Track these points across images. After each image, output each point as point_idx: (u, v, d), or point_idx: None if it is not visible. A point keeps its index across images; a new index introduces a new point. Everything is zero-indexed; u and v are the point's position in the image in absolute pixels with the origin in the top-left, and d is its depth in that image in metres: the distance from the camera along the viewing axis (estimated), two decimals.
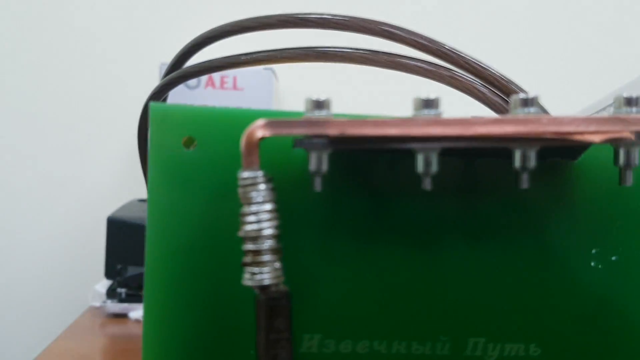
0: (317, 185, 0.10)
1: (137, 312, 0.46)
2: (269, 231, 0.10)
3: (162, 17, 0.63)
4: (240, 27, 0.24)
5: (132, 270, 0.45)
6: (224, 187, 0.11)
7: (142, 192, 0.57)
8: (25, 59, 0.62)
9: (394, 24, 0.22)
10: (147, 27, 0.63)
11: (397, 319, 0.12)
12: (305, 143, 0.10)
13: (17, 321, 0.62)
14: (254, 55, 0.24)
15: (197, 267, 0.11)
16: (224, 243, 0.11)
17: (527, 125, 0.10)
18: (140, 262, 0.46)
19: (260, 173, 0.10)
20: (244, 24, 0.24)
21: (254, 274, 0.10)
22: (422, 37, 0.22)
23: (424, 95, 0.10)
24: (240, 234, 0.10)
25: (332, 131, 0.10)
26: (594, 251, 0.12)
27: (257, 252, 0.10)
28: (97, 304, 0.48)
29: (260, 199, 0.10)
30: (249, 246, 0.10)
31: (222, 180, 0.11)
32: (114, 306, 0.46)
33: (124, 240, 0.45)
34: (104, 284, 0.49)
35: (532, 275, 0.12)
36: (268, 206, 0.10)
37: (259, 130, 0.10)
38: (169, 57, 0.65)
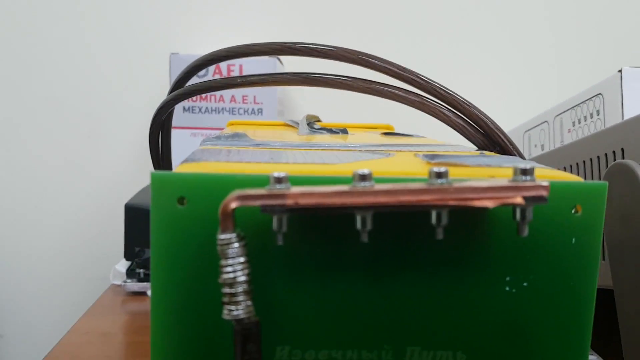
0: (280, 240, 0.13)
1: None
2: (242, 278, 0.13)
3: (172, 10, 0.65)
4: (235, 52, 0.27)
5: (149, 253, 0.49)
6: (210, 235, 0.14)
7: None
8: (42, 51, 0.65)
9: (371, 53, 0.25)
10: (158, 20, 0.65)
11: (350, 333, 0.15)
12: (269, 209, 0.13)
13: (46, 297, 0.67)
14: (248, 79, 0.27)
15: (191, 299, 0.14)
16: (211, 280, 0.14)
17: (438, 194, 0.13)
18: None
19: (234, 235, 0.13)
20: (239, 50, 0.27)
21: (230, 310, 0.13)
22: (395, 65, 0.24)
23: (360, 170, 0.13)
24: (220, 280, 0.13)
25: (289, 201, 0.13)
26: (508, 278, 0.15)
27: (233, 294, 0.13)
28: (118, 282, 0.52)
29: (234, 255, 0.13)
30: (227, 290, 0.13)
31: (207, 230, 0.14)
32: (134, 285, 0.50)
33: (141, 224, 0.49)
34: (123, 264, 0.53)
35: (458, 298, 0.15)
36: (241, 259, 0.13)
37: (232, 202, 0.13)
38: (178, 48, 0.69)
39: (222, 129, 0.62)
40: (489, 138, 0.24)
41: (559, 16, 0.67)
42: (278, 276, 0.14)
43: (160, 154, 0.34)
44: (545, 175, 0.16)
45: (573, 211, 0.15)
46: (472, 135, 0.24)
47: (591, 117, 0.40)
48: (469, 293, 0.15)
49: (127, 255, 0.50)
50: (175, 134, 0.59)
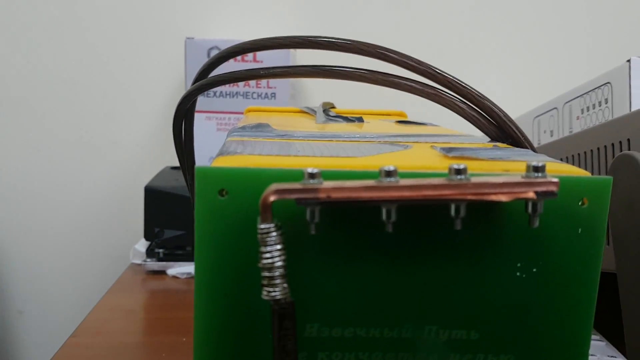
0: (312, 229, 0.15)
1: (174, 269, 0.52)
2: (279, 263, 0.14)
3: None
4: (259, 45, 0.28)
5: (168, 233, 0.51)
6: (248, 223, 0.16)
7: (171, 158, 0.62)
8: (59, 32, 0.66)
9: (389, 47, 0.26)
10: (173, 4, 0.66)
11: (373, 312, 0.17)
12: (303, 202, 0.14)
13: (64, 275, 0.69)
14: (271, 71, 0.28)
15: (232, 280, 0.16)
16: (250, 263, 0.16)
17: (457, 189, 0.14)
18: (175, 226, 0.51)
19: (272, 225, 0.14)
20: (262, 43, 0.28)
21: (269, 292, 0.14)
22: (412, 59, 0.26)
23: (386, 167, 0.15)
24: (260, 265, 0.15)
25: (322, 195, 0.14)
26: (519, 264, 0.17)
27: (271, 278, 0.14)
28: (138, 261, 0.54)
29: (272, 242, 0.14)
30: (265, 274, 0.14)
31: (245, 218, 0.16)
32: (154, 264, 0.52)
33: (160, 206, 0.51)
34: (142, 244, 0.55)
35: (473, 282, 0.17)
36: (278, 246, 0.14)
37: (271, 195, 0.14)
38: (193, 32, 0.70)
39: (236, 112, 0.63)
40: (502, 130, 0.25)
41: (570, 3, 0.67)
42: (310, 261, 0.16)
43: (183, 142, 0.35)
44: (555, 170, 0.17)
45: (580, 203, 0.17)
46: (486, 127, 0.25)
47: (599, 105, 0.41)
48: (483, 278, 0.17)
49: (147, 235, 0.51)
50: None
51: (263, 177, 0.16)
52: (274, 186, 0.15)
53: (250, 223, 0.16)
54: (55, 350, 0.36)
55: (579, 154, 0.34)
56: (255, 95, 0.63)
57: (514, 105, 0.62)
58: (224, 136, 0.63)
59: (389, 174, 0.15)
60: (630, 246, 0.25)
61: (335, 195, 0.14)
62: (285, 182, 0.15)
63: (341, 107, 0.41)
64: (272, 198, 0.14)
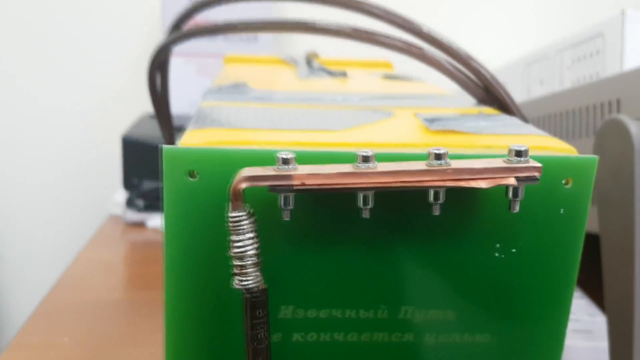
0: (286, 216, 0.14)
1: (153, 221, 0.51)
2: (251, 252, 0.14)
3: None
4: None
5: (147, 184, 0.50)
6: (220, 206, 0.15)
7: (148, 103, 0.60)
8: None
9: (374, 3, 0.24)
10: None
11: (349, 294, 0.16)
12: (276, 189, 0.14)
13: (43, 228, 0.68)
14: (250, 25, 0.27)
15: (203, 265, 0.15)
16: (222, 248, 0.15)
17: (436, 175, 0.14)
18: (154, 177, 0.50)
19: (243, 213, 0.14)
20: None
21: (241, 280, 0.14)
22: (398, 16, 0.24)
23: (363, 151, 0.14)
24: (231, 254, 0.14)
25: (295, 182, 0.14)
26: (497, 245, 0.16)
27: (243, 267, 0.14)
28: (117, 212, 0.53)
29: (244, 231, 0.14)
30: (237, 262, 0.14)
31: (217, 200, 0.15)
32: (133, 215, 0.51)
33: (138, 157, 0.50)
34: (121, 194, 0.54)
35: (449, 263, 0.16)
36: (250, 234, 0.14)
37: (242, 183, 0.14)
38: None
39: (217, 56, 0.61)
40: (489, 92, 0.24)
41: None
42: (284, 245, 0.15)
43: (159, 94, 0.34)
44: (541, 146, 0.17)
45: (564, 182, 0.16)
46: (472, 89, 0.24)
47: (591, 57, 0.40)
48: (460, 259, 0.16)
49: (126, 186, 0.50)
50: None
51: (235, 158, 0.15)
52: (245, 172, 0.14)
53: (222, 206, 0.15)
54: (37, 298, 0.36)
55: (567, 112, 0.33)
56: (236, 38, 0.61)
57: (505, 52, 0.60)
58: (204, 81, 0.61)
59: (366, 159, 0.14)
60: (615, 211, 0.25)
61: (309, 182, 0.14)
62: (258, 167, 0.14)
63: (325, 54, 0.39)
64: (243, 185, 0.14)
